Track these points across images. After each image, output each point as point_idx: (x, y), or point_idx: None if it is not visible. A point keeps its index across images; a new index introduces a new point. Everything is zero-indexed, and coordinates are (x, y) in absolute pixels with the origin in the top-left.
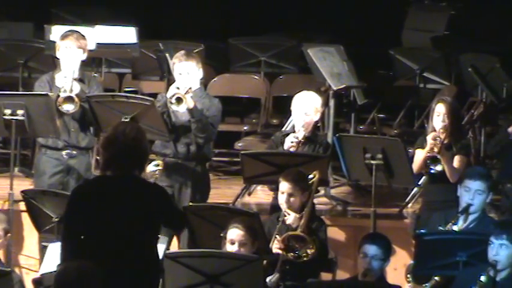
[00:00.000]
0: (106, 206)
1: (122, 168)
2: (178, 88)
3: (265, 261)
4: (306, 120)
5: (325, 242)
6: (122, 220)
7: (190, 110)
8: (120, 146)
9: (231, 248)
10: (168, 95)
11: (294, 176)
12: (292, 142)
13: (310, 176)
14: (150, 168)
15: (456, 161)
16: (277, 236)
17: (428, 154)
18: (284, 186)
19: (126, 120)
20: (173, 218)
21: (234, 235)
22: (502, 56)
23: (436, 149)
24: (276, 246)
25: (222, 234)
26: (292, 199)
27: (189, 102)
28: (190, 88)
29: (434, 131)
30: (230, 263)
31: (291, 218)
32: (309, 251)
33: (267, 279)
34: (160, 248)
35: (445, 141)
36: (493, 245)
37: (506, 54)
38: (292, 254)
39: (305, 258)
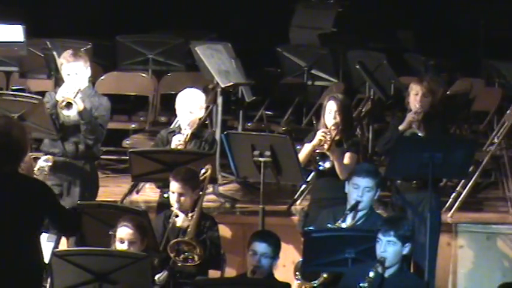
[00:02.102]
0: None
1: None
2: (67, 91)
3: (156, 260)
4: (191, 118)
5: (217, 241)
6: (1, 218)
7: (79, 112)
8: None
9: (120, 247)
10: (58, 97)
11: (183, 175)
12: (179, 141)
13: (203, 171)
14: (40, 163)
15: (346, 158)
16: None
17: (318, 150)
18: (174, 185)
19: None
20: (60, 218)
21: (123, 233)
22: (389, 53)
23: (325, 146)
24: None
25: (110, 232)
26: (182, 198)
27: (79, 105)
28: (79, 89)
29: (326, 128)
30: (118, 261)
31: (180, 219)
32: (196, 256)
33: (156, 277)
34: (49, 246)
35: (336, 138)
36: (380, 242)
37: (393, 51)
38: (182, 256)
39: (191, 263)
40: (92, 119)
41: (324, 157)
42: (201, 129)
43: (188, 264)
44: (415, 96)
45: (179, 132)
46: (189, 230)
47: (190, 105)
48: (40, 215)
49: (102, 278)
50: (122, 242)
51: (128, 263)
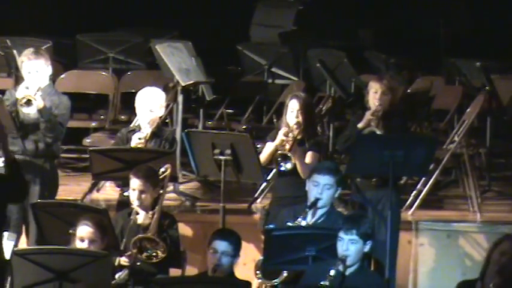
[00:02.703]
0: None
1: None
2: (27, 88)
3: (118, 260)
4: (151, 117)
5: (177, 240)
6: None
7: (39, 110)
8: None
9: (80, 245)
10: (18, 95)
11: (144, 172)
12: (140, 139)
13: (162, 170)
14: None
15: (308, 157)
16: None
17: (279, 151)
18: (135, 183)
19: None
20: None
21: (84, 232)
22: (349, 51)
23: (287, 146)
24: (127, 255)
25: (71, 231)
26: (143, 196)
27: (38, 103)
28: (39, 87)
29: (288, 127)
30: (79, 259)
31: (141, 217)
32: (159, 252)
33: (116, 276)
34: (9, 245)
35: (298, 137)
36: (342, 241)
37: (354, 50)
38: (145, 254)
39: (155, 260)
40: (51, 117)
41: (285, 158)
42: (161, 127)
43: (152, 261)
44: (374, 94)
45: (139, 131)
46: (150, 227)
47: (150, 104)
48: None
49: (62, 276)
50: (82, 240)
51: (88, 261)
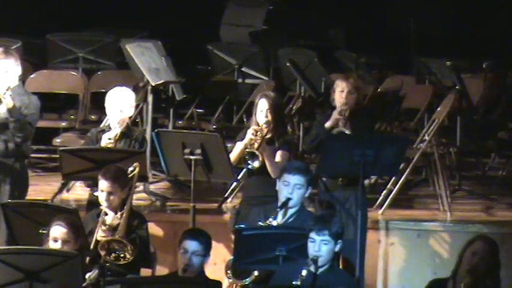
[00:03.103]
0: None
1: None
2: None
3: (88, 258)
4: (120, 117)
5: (146, 240)
6: None
7: (9, 110)
8: None
9: (54, 246)
10: None
11: (112, 173)
12: (109, 139)
13: (131, 169)
14: None
15: (278, 156)
16: (99, 231)
17: (247, 149)
18: (103, 184)
19: None
20: None
21: (57, 232)
22: (320, 51)
23: (256, 145)
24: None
25: (42, 231)
26: (112, 197)
27: (8, 102)
28: (9, 87)
29: (258, 126)
30: (49, 259)
31: (109, 217)
32: (127, 254)
33: (87, 276)
34: None
35: (268, 136)
36: (314, 242)
37: (324, 49)
38: (113, 255)
39: (124, 261)
40: (20, 117)
41: (253, 156)
42: (130, 127)
43: (120, 262)
44: (340, 93)
45: (109, 131)
46: (119, 227)
47: (119, 104)
48: None
49: (32, 276)
50: (56, 240)
51: (58, 261)
